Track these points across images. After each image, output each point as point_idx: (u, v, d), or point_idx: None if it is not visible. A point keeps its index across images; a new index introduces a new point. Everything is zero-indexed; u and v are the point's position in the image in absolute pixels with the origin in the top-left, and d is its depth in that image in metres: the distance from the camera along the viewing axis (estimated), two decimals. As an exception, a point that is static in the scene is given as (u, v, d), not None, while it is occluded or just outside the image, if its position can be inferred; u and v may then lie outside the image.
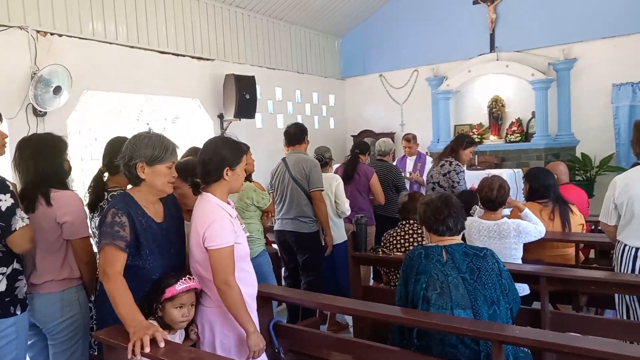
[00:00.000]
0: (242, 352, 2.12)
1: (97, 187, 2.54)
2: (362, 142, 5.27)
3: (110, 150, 2.54)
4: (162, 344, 1.74)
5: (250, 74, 6.95)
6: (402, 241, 3.54)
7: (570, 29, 7.34)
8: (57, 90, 4.77)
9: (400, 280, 2.39)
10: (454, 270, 2.20)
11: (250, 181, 3.53)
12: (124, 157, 1.99)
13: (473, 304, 2.14)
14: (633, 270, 2.73)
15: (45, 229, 2.28)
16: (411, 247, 3.38)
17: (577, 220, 3.64)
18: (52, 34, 5.08)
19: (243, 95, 6.61)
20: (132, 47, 5.87)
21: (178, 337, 2.06)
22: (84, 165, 6.04)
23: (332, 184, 4.19)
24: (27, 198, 2.28)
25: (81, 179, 6.12)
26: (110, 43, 5.64)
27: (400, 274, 2.43)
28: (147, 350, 1.71)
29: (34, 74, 4.71)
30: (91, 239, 2.46)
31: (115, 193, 2.45)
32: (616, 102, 7.06)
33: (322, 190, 3.91)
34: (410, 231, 3.55)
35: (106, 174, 2.57)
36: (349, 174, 4.70)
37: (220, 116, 6.95)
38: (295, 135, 4.01)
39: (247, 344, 2.03)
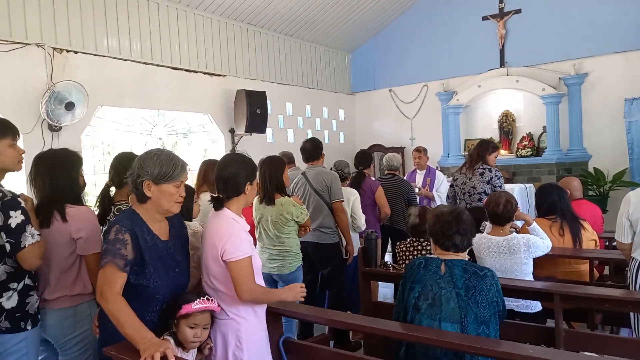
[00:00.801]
0: None
1: (104, 201, 2.56)
2: (363, 156, 5.05)
3: (116, 165, 2.57)
4: (172, 361, 1.73)
5: (261, 89, 7.02)
6: (411, 257, 3.51)
7: (581, 44, 7.34)
8: (70, 106, 4.86)
9: (400, 288, 2.42)
10: (449, 284, 2.20)
11: (289, 196, 3.57)
12: (133, 173, 1.98)
13: (462, 320, 2.15)
14: (648, 288, 2.68)
15: (60, 244, 2.29)
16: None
17: (589, 236, 3.60)
18: (68, 50, 5.20)
19: (254, 110, 6.68)
20: (145, 63, 5.97)
21: (191, 355, 2.05)
22: (97, 179, 6.12)
23: (350, 198, 4.23)
24: (43, 213, 2.31)
25: (94, 193, 6.18)
26: (124, 59, 5.75)
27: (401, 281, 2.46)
28: (158, 367, 1.69)
29: (50, 89, 4.81)
30: None
31: (122, 207, 2.47)
32: (629, 117, 7.01)
33: (343, 201, 4.02)
34: (420, 247, 3.52)
35: (113, 188, 2.59)
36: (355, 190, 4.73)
37: (232, 131, 7.02)
38: (312, 151, 4.13)
39: (289, 301, 2.29)
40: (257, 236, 3.60)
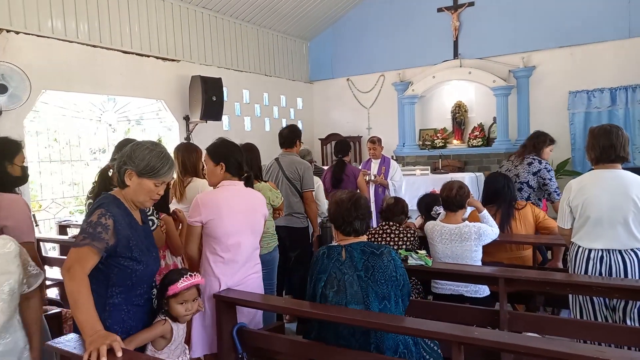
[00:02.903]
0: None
1: (104, 181, 2.52)
2: (343, 144, 5.35)
3: (119, 149, 2.57)
4: (119, 354, 1.69)
5: (217, 75, 6.87)
6: (380, 239, 3.52)
7: (529, 38, 7.61)
8: (2, 89, 4.60)
9: (308, 281, 2.48)
10: (350, 269, 2.30)
11: (265, 181, 3.69)
12: (121, 159, 1.99)
13: (365, 300, 2.26)
14: (586, 272, 2.83)
15: None
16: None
17: (530, 223, 3.78)
18: (8, 31, 4.89)
19: (210, 97, 6.53)
20: (94, 46, 5.71)
21: (182, 328, 2.17)
22: (42, 167, 5.84)
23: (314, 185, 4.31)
24: None
25: (39, 181, 5.90)
26: (71, 42, 5.48)
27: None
28: (104, 360, 1.66)
29: (-12, 72, 4.53)
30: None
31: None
32: (572, 109, 7.36)
33: (313, 190, 4.17)
34: (389, 230, 3.54)
35: (111, 171, 2.55)
36: (337, 178, 4.89)
37: (186, 118, 6.85)
38: (288, 138, 4.21)
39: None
40: None
